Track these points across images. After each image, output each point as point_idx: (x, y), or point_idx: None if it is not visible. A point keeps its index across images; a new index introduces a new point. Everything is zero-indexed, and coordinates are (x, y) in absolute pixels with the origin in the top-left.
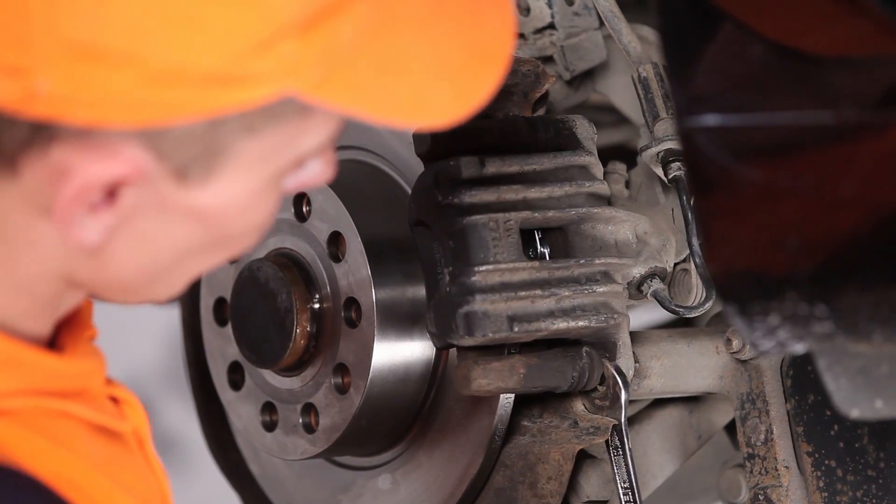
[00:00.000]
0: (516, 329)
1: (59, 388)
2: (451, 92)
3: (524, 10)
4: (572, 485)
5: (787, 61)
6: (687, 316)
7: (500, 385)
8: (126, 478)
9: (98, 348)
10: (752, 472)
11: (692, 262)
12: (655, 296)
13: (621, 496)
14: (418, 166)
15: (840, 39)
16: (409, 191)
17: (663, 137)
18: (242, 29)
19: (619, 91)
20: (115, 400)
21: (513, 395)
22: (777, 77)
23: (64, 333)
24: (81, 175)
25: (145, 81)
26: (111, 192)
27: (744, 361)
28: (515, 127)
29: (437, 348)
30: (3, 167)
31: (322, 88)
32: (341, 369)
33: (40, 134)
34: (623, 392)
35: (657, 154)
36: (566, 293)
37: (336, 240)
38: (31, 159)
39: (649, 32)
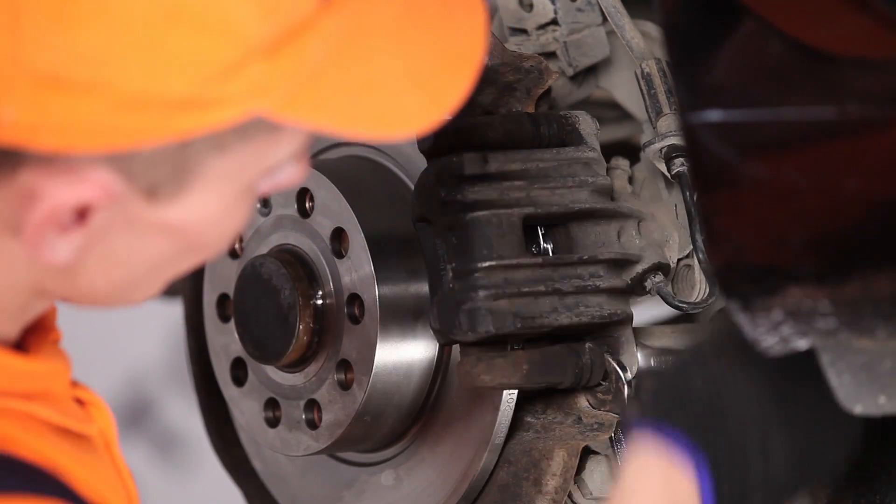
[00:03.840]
0: (519, 325)
1: (22, 390)
2: (421, 100)
3: (527, 6)
4: (576, 481)
5: (792, 56)
6: (690, 312)
7: (503, 381)
8: (93, 479)
9: (63, 351)
10: None
11: (695, 257)
12: (658, 291)
13: None
14: (421, 162)
15: (845, 36)
16: (412, 187)
17: (666, 133)
18: (209, 54)
19: (622, 87)
20: (80, 402)
21: (516, 391)
22: (781, 72)
23: (28, 337)
24: (50, 199)
25: (111, 108)
26: (81, 214)
27: None
28: (518, 123)
29: (440, 344)
30: None
31: (290, 106)
32: (344, 365)
33: (7, 158)
34: (626, 387)
35: (660, 150)
36: (569, 289)
37: (339, 236)
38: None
39: (652, 28)
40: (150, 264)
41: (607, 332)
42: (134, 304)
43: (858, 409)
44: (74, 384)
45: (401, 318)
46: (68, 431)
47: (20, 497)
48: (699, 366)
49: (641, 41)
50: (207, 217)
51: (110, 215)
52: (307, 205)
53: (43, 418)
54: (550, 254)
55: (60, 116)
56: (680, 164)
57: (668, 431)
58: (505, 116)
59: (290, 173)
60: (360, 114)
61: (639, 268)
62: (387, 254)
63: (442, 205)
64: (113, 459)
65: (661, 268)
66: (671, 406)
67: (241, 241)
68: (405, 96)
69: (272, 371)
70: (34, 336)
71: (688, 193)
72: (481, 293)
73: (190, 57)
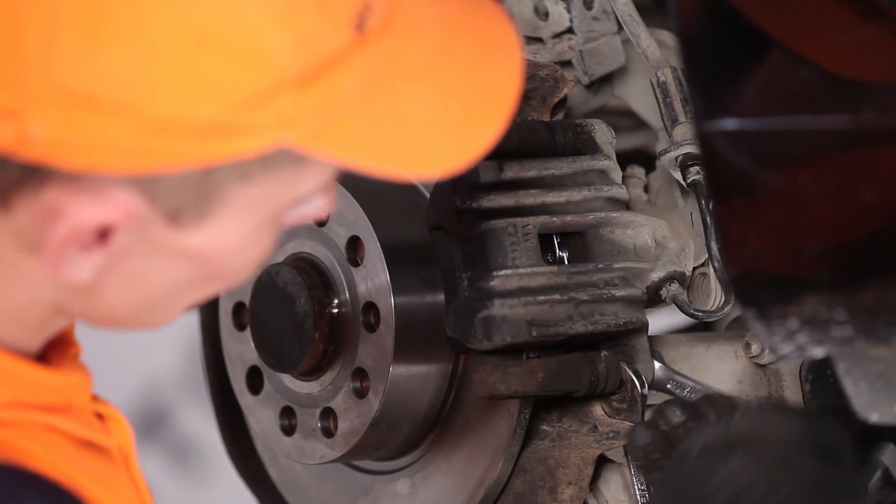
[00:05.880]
0: (535, 333)
1: (45, 402)
2: (451, 142)
3: (543, 15)
4: (591, 489)
5: (807, 66)
6: (706, 320)
7: (518, 389)
8: (110, 496)
9: (84, 364)
10: None
11: (711, 266)
12: (674, 300)
13: (639, 501)
14: None
15: (858, 43)
16: (428, 195)
17: (682, 141)
18: (240, 81)
19: (637, 95)
20: (100, 416)
21: (532, 399)
22: (797, 81)
23: (50, 350)
24: (73, 218)
25: (139, 130)
26: (103, 234)
27: (763, 366)
28: (534, 131)
29: (455, 352)
30: None
31: (318, 140)
32: (360, 374)
33: (33, 174)
34: (641, 396)
35: (676, 158)
36: (584, 297)
37: (355, 244)
38: (23, 198)
39: (668, 37)
40: (169, 288)
41: (623, 340)
42: (153, 327)
43: (874, 417)
44: (94, 398)
45: (416, 326)
46: (89, 444)
47: None
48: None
49: (657, 50)
50: (229, 245)
51: (132, 237)
52: None
53: (64, 430)
54: (566, 262)
55: (88, 135)
56: (695, 173)
57: None
58: (520, 125)
59: (317, 205)
60: (388, 152)
61: (654, 276)
62: (402, 262)
63: (457, 213)
64: (131, 474)
65: (677, 276)
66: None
67: None
68: (435, 137)
69: (288, 379)
70: (55, 350)
71: (703, 202)
72: (497, 301)
73: (220, 83)
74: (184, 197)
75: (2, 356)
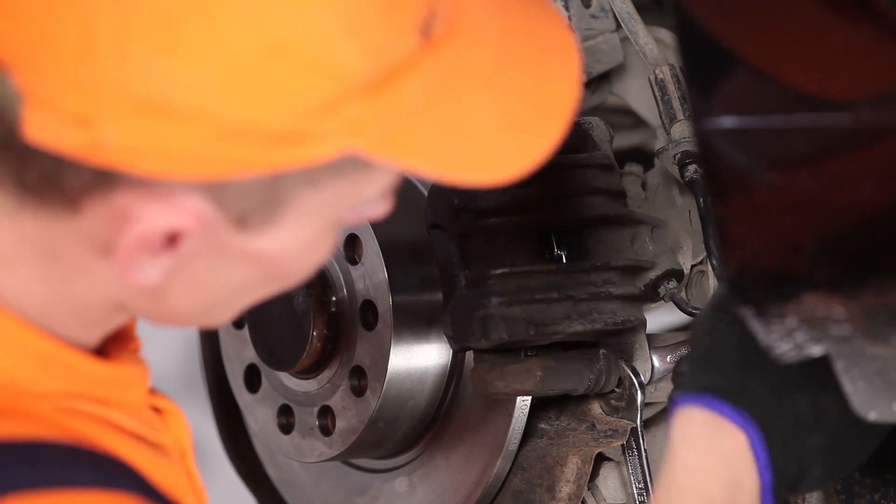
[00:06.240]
0: (533, 332)
1: (99, 395)
2: (514, 147)
3: None
4: (590, 487)
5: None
6: None
7: (516, 387)
8: (168, 481)
9: (142, 359)
10: None
11: (709, 263)
12: (672, 298)
13: (636, 498)
14: None
15: (856, 41)
16: (426, 193)
17: (680, 139)
18: (310, 90)
19: (635, 93)
20: (158, 410)
21: (529, 397)
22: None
23: (109, 344)
24: (144, 223)
25: (211, 138)
26: (171, 239)
27: None
28: None
29: (453, 351)
30: (64, 206)
31: (385, 146)
32: (358, 372)
33: (104, 179)
34: (639, 394)
35: (674, 156)
36: (583, 296)
37: (352, 242)
38: (93, 201)
39: (666, 35)
40: (233, 289)
41: (621, 338)
42: (213, 325)
43: (873, 415)
44: (153, 392)
45: (414, 324)
46: (142, 439)
47: (93, 492)
48: (724, 319)
49: (655, 47)
50: (294, 248)
51: (200, 241)
52: None
53: (118, 424)
54: (564, 260)
55: (160, 143)
56: (693, 171)
57: (709, 401)
58: None
59: (377, 208)
60: (452, 157)
61: (652, 274)
62: (400, 260)
63: (455, 211)
64: (187, 469)
65: (675, 274)
66: (709, 372)
67: None
68: (498, 142)
69: (286, 377)
70: (115, 344)
71: (701, 199)
72: (495, 300)
73: (291, 91)
74: (252, 202)
75: (59, 348)
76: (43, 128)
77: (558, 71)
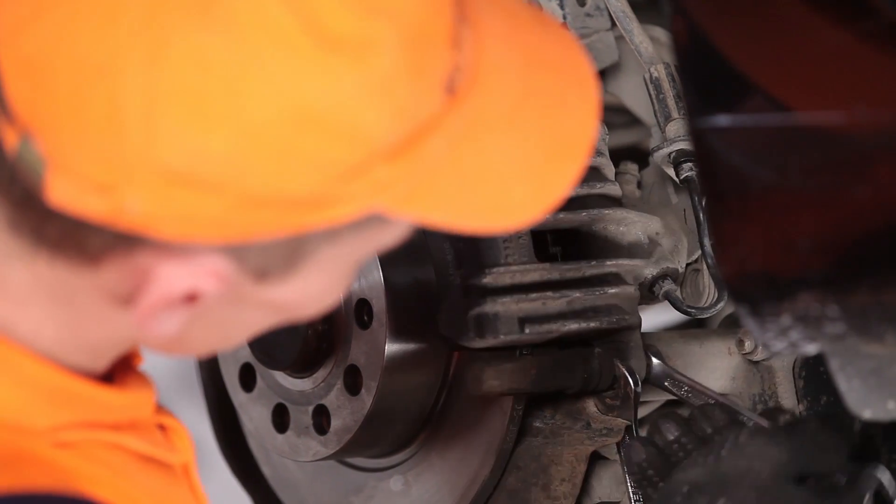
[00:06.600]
0: (528, 331)
1: (112, 421)
2: (532, 190)
3: None
4: (584, 486)
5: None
6: (699, 317)
7: (512, 386)
8: None
9: (147, 376)
10: None
11: (704, 262)
12: (667, 297)
13: (632, 497)
14: None
15: (851, 38)
16: None
17: (675, 138)
18: (337, 157)
19: (630, 92)
20: (163, 428)
21: (525, 396)
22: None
23: (115, 364)
24: (164, 283)
25: (235, 205)
26: (191, 296)
27: (756, 362)
28: None
29: (448, 350)
30: (84, 261)
31: (407, 203)
32: (353, 371)
33: (125, 239)
34: (634, 393)
35: (669, 155)
36: (578, 295)
37: None
38: (113, 259)
39: (661, 33)
40: (248, 330)
41: (616, 337)
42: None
43: (867, 414)
44: (158, 409)
45: (409, 323)
46: (153, 460)
47: None
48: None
49: (650, 46)
50: (311, 295)
51: (219, 294)
52: None
53: (130, 449)
54: (559, 259)
55: (184, 210)
56: (688, 169)
57: None
58: None
59: (389, 246)
60: (471, 207)
61: (647, 273)
62: (395, 259)
63: None
64: (191, 486)
65: (670, 273)
66: None
67: None
68: (515, 188)
69: (281, 376)
70: (120, 363)
71: (696, 198)
72: (490, 299)
73: (317, 159)
74: (272, 258)
75: (71, 380)
76: (66, 193)
77: (576, 103)
